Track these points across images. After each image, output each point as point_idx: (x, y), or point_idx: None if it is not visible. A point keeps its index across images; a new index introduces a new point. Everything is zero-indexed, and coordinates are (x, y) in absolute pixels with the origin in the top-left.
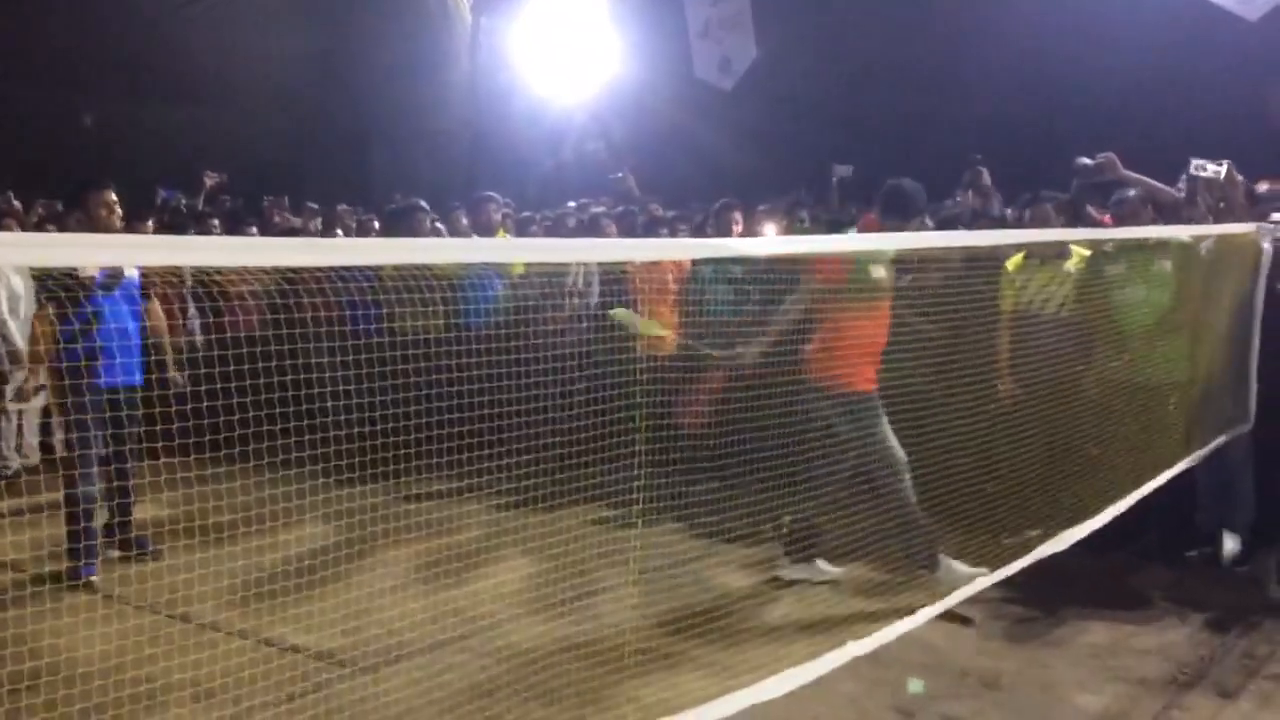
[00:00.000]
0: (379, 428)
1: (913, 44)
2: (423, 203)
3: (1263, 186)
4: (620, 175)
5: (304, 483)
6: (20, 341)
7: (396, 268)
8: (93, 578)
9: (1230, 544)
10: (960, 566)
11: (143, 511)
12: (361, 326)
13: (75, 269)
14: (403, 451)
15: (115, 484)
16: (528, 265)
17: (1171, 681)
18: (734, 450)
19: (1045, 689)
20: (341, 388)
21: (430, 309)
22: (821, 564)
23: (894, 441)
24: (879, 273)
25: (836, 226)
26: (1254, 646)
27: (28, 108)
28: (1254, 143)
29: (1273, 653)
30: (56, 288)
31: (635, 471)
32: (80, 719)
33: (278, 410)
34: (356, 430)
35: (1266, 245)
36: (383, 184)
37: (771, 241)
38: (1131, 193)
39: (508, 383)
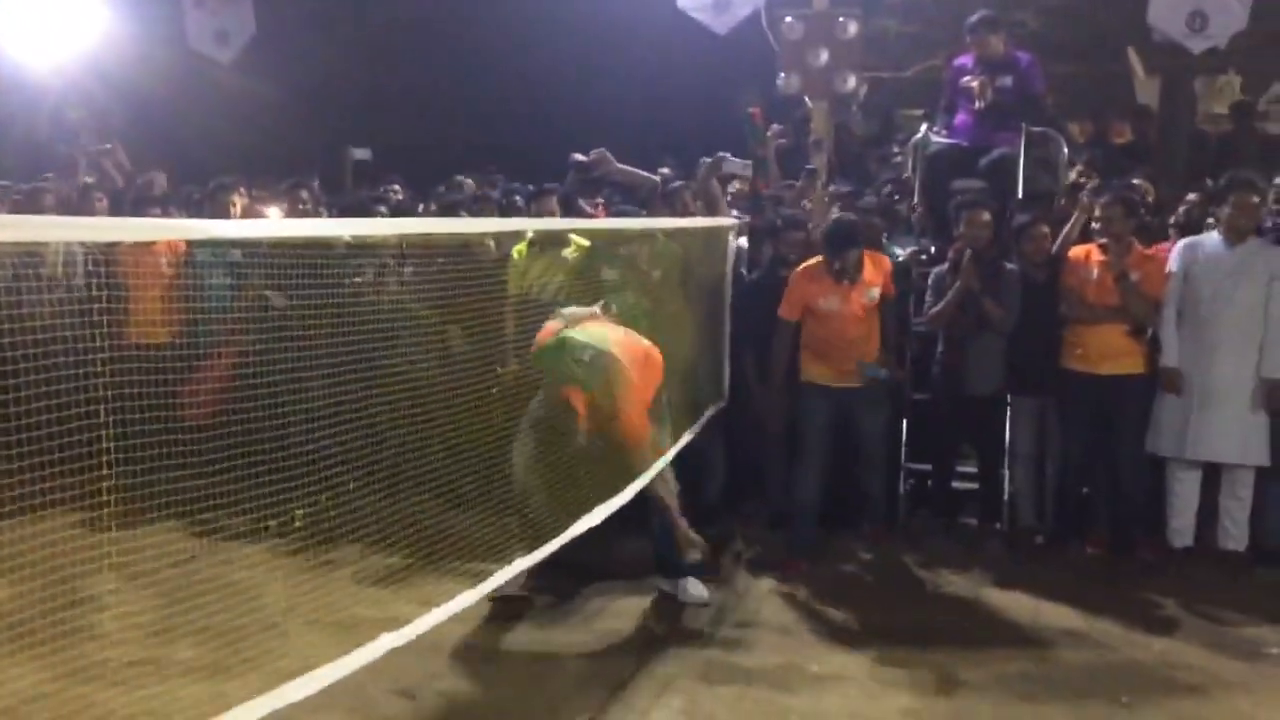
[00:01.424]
0: None
1: (423, 30)
2: None
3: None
4: (109, 147)
5: None
6: None
7: None
8: None
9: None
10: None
11: None
12: None
13: None
14: None
15: None
16: None
17: (647, 635)
18: (231, 443)
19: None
20: None
21: None
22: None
23: None
24: None
25: (351, 211)
26: (724, 598)
27: None
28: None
29: (737, 604)
30: None
31: (105, 472)
32: None
33: None
34: None
35: (738, 240)
36: None
37: (273, 224)
38: None
39: None
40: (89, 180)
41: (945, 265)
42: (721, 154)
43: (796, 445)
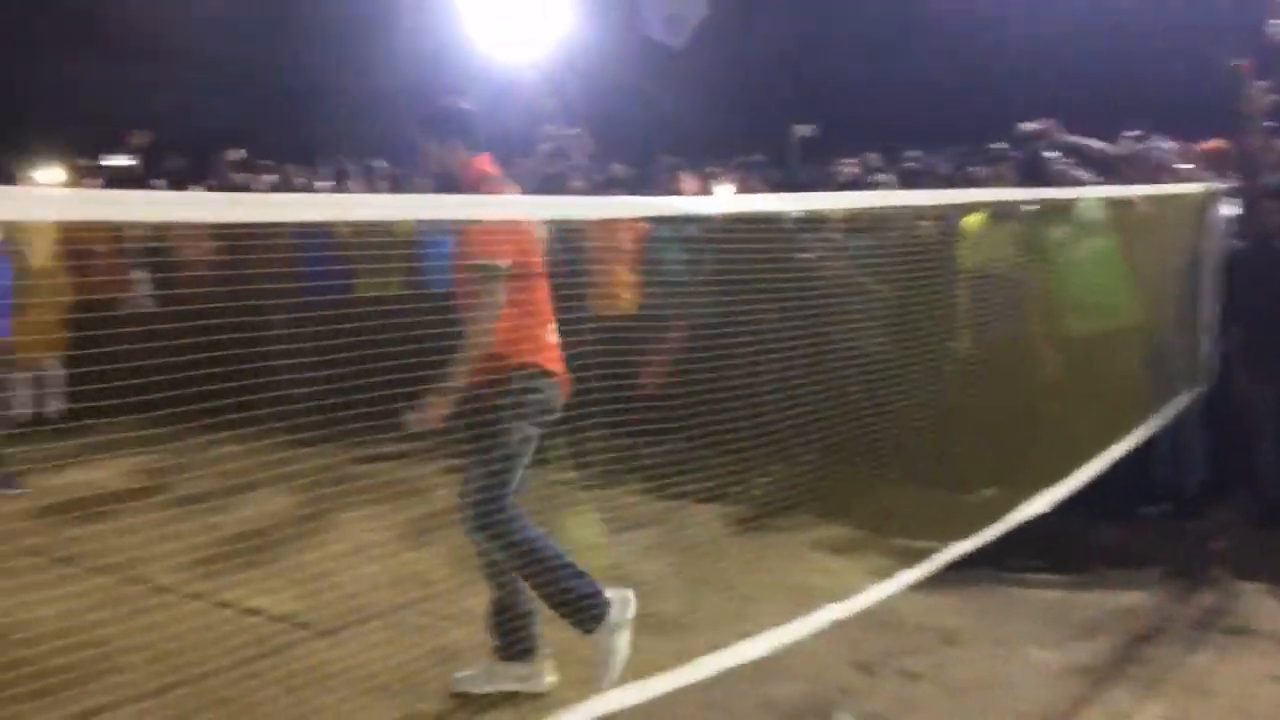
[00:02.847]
0: (337, 390)
1: (867, 6)
2: (382, 162)
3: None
4: (576, 132)
5: (260, 446)
6: None
7: (354, 229)
8: None
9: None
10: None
11: (96, 472)
12: (324, 297)
13: None
14: (361, 414)
15: None
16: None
17: (1129, 636)
18: (695, 412)
19: (1001, 644)
20: (296, 351)
21: (389, 271)
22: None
23: None
24: None
25: (794, 188)
26: (1208, 601)
27: None
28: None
29: (1226, 606)
30: None
31: (592, 434)
32: (34, 684)
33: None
34: (314, 393)
35: (1223, 208)
36: (330, 145)
37: (726, 201)
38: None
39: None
40: (559, 164)
41: None
42: None
43: None
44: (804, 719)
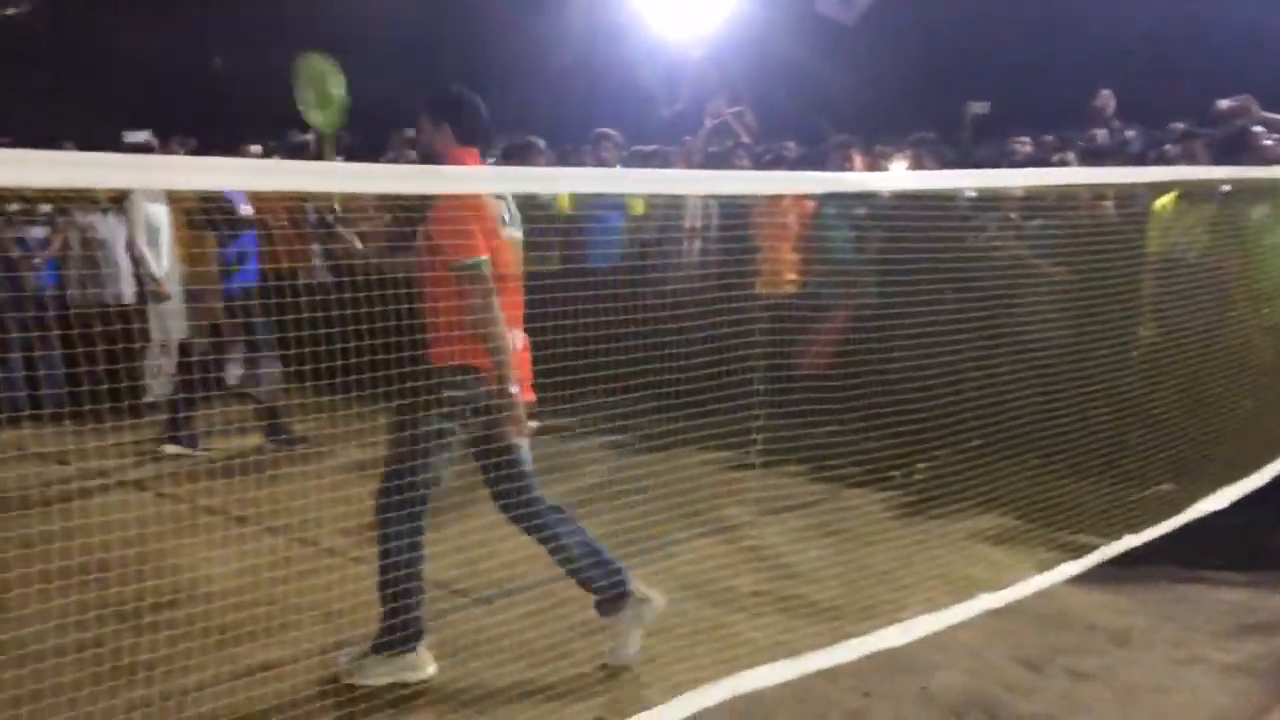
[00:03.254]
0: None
1: None
2: (537, 140)
3: None
4: (739, 110)
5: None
6: (160, 270)
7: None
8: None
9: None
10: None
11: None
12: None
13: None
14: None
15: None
16: (648, 202)
17: None
18: (858, 395)
19: (1177, 645)
20: None
21: (548, 248)
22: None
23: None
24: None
25: (967, 167)
26: None
27: (160, 52)
28: None
29: None
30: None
31: (754, 413)
32: (209, 637)
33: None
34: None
35: None
36: (498, 123)
37: (906, 177)
38: None
39: (626, 316)
40: (723, 142)
41: None
42: None
43: None
44: (967, 714)
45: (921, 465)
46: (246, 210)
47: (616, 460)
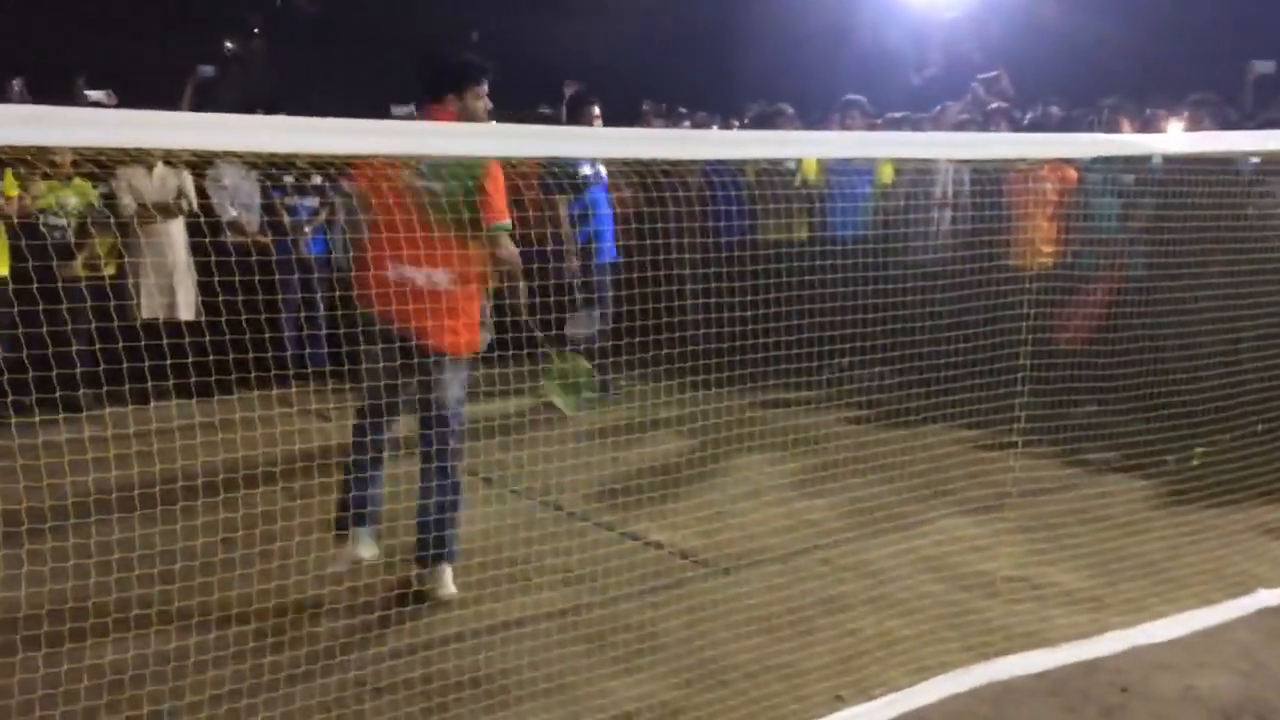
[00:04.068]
0: (743, 335)
1: None
2: (787, 107)
3: None
4: (994, 74)
5: (662, 386)
6: (254, 226)
7: (758, 176)
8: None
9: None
10: (448, 581)
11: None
12: (725, 238)
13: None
14: (766, 360)
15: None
16: (896, 171)
17: None
18: (1122, 374)
19: None
20: (701, 294)
21: (795, 217)
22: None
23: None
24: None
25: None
26: None
27: (420, 23)
28: None
29: None
30: (563, 177)
31: (1018, 389)
32: (460, 594)
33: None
34: (719, 336)
35: None
36: (746, 91)
37: (1184, 139)
38: None
39: (876, 287)
40: (978, 107)
41: None
42: None
43: None
44: (1237, 719)
45: (1200, 450)
46: (590, 172)
47: (861, 435)
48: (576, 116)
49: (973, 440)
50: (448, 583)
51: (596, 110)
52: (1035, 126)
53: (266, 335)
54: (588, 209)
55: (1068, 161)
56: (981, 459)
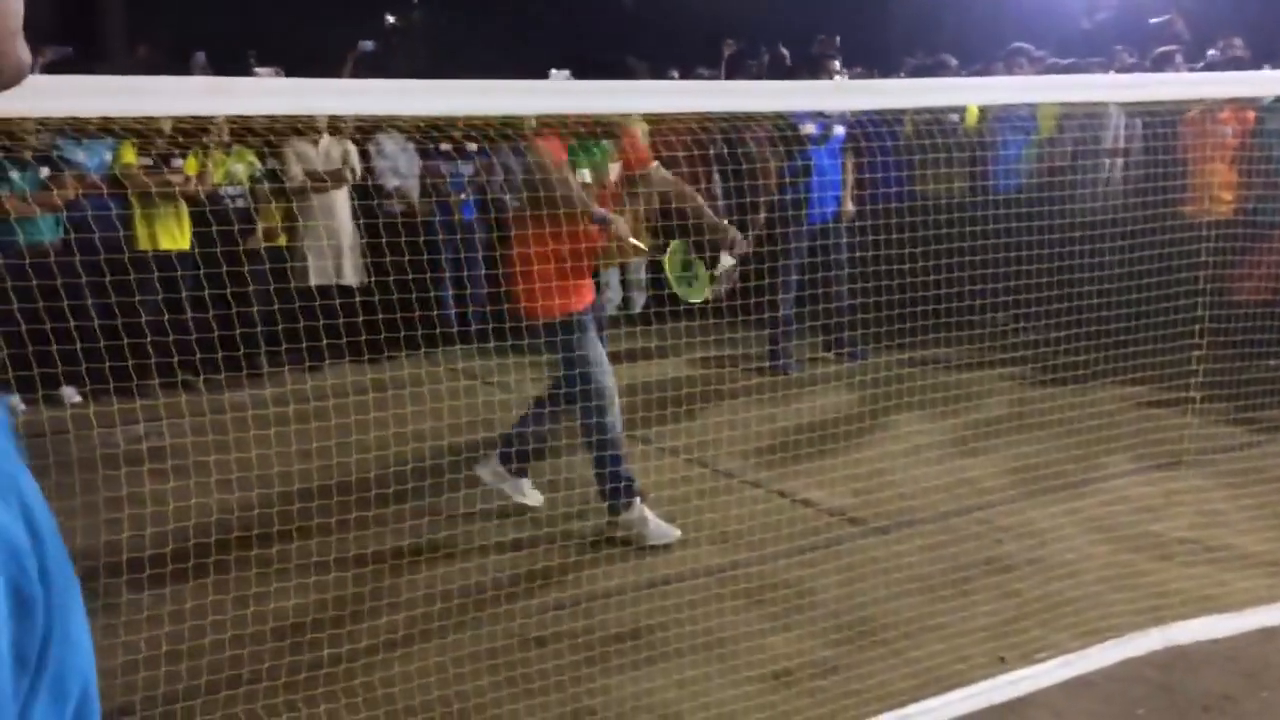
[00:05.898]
0: (897, 295)
1: None
2: (950, 58)
3: None
4: (1167, 18)
5: (817, 342)
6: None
7: (916, 127)
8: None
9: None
10: (656, 522)
11: (669, 363)
12: (881, 191)
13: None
14: (921, 317)
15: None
16: (1059, 121)
17: None
18: None
19: None
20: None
21: (954, 169)
22: (525, 485)
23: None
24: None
25: None
26: None
27: None
28: None
29: None
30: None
31: (1196, 342)
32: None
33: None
34: (874, 298)
35: None
36: (903, 43)
37: None
38: None
39: (1037, 240)
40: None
41: None
42: None
43: None
44: None
45: None
46: (814, 130)
47: (1023, 391)
48: (735, 75)
49: (1142, 397)
50: (635, 523)
51: (837, 64)
52: (1215, 67)
53: (431, 294)
54: (805, 168)
55: (1250, 101)
56: (1153, 416)
